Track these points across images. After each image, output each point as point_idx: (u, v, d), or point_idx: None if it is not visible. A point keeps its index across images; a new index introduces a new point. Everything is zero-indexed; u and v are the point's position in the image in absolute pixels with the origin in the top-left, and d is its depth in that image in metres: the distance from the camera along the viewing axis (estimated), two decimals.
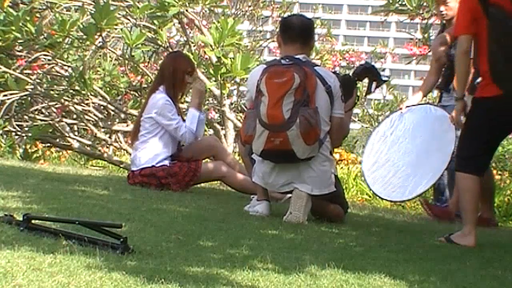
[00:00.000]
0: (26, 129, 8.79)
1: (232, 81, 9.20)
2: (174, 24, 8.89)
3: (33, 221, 3.51)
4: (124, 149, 9.24)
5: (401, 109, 6.37)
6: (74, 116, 8.84)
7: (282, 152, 4.79)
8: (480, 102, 4.63)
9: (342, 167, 10.69)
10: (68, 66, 8.50)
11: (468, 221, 4.56)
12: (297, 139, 4.74)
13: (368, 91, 5.45)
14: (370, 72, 5.34)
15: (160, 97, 5.92)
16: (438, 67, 6.37)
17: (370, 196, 9.34)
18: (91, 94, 8.52)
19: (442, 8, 6.26)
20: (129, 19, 8.41)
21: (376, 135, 6.42)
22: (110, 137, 9.09)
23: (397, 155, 6.09)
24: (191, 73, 6.15)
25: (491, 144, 4.72)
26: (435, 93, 8.45)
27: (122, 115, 9.08)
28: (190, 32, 8.77)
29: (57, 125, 8.78)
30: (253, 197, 5.29)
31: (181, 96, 6.16)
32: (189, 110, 6.05)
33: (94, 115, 8.86)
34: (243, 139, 4.98)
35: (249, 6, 13.02)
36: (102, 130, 8.98)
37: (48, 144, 9.49)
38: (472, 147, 4.62)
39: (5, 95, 8.22)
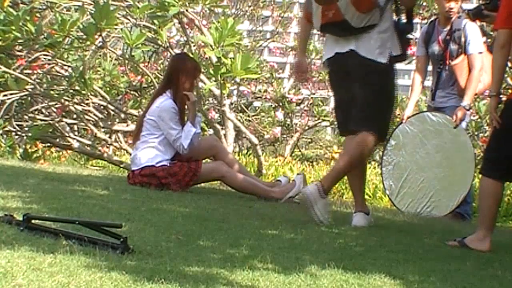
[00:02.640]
0: (26, 129, 8.79)
1: (232, 81, 9.20)
2: (174, 24, 8.89)
3: (33, 221, 3.51)
4: (124, 149, 9.25)
5: (402, 119, 6.45)
6: (74, 116, 8.85)
7: (337, 23, 4.75)
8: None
9: None
10: (68, 66, 8.50)
11: (485, 226, 4.44)
12: (349, 7, 4.70)
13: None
14: None
15: (167, 103, 5.89)
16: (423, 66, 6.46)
17: (370, 196, 9.36)
18: (91, 94, 8.52)
19: (453, 4, 6.26)
20: (129, 19, 8.41)
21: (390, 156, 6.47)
22: (110, 137, 9.09)
23: (417, 171, 6.16)
24: (199, 75, 6.16)
25: None
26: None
27: (122, 115, 9.08)
28: (190, 32, 8.78)
29: (57, 125, 8.78)
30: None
31: (188, 99, 6.05)
32: (186, 124, 5.98)
33: (94, 115, 8.87)
34: (305, 16, 4.98)
35: (249, 6, 13.04)
36: (102, 130, 8.98)
37: (48, 144, 9.50)
38: (502, 149, 4.42)
39: (5, 95, 8.22)
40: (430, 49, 6.44)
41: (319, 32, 5.06)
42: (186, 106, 6.02)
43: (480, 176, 4.62)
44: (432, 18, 7.12)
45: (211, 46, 7.56)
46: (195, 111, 6.05)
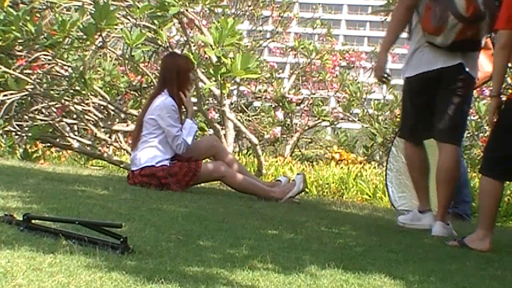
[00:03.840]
0: (26, 129, 8.79)
1: (232, 81, 9.20)
2: (174, 24, 8.89)
3: (33, 221, 3.51)
4: (124, 149, 9.24)
5: None
6: (74, 116, 8.84)
7: (471, 42, 4.95)
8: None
9: (342, 167, 10.70)
10: (68, 66, 8.50)
11: (485, 226, 4.45)
12: (485, 28, 4.93)
13: None
14: None
15: (167, 101, 5.91)
16: None
17: (370, 196, 9.36)
18: (91, 94, 8.52)
19: None
20: (129, 19, 8.41)
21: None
22: (110, 137, 9.09)
23: None
24: (192, 70, 6.21)
25: None
26: None
27: (122, 115, 9.08)
28: (190, 32, 8.77)
29: (57, 125, 8.78)
30: (402, 210, 5.35)
31: (185, 96, 6.10)
32: (186, 121, 6.02)
33: (94, 115, 8.86)
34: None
35: (249, 6, 13.03)
36: (102, 130, 8.98)
37: (48, 144, 9.49)
38: (502, 149, 4.43)
39: (5, 95, 8.22)
40: None
41: (424, 44, 5.03)
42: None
43: (480, 175, 4.62)
44: None
45: (211, 46, 7.55)
46: (192, 107, 6.10)
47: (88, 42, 7.85)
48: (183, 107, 6.06)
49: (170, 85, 5.98)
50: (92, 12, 7.75)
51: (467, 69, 4.99)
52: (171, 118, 5.90)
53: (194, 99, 8.18)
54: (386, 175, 6.67)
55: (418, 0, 5.01)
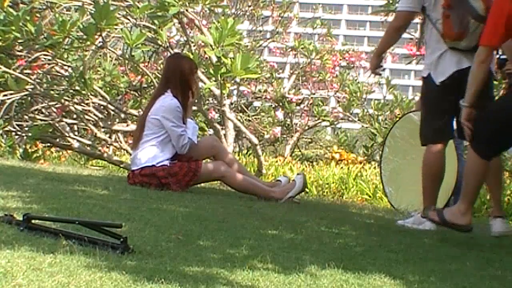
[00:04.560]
0: (26, 129, 8.79)
1: (232, 81, 9.20)
2: (174, 24, 8.89)
3: (33, 221, 3.51)
4: (124, 149, 9.25)
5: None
6: (74, 116, 8.85)
7: None
8: None
9: (342, 167, 10.71)
10: (68, 66, 8.50)
11: (468, 200, 4.57)
12: None
13: None
14: None
15: (173, 102, 5.91)
16: None
17: (370, 196, 9.36)
18: (91, 94, 8.52)
19: None
20: (129, 19, 8.41)
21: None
22: (110, 137, 9.09)
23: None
24: (196, 72, 6.23)
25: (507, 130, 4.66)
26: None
27: (122, 115, 9.08)
28: (190, 32, 8.78)
29: (57, 125, 8.78)
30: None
31: (192, 96, 6.11)
32: (188, 121, 6.04)
33: (94, 115, 8.87)
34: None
35: (249, 6, 13.04)
36: (102, 130, 8.98)
37: (48, 144, 9.50)
38: (488, 131, 4.59)
39: (5, 95, 8.22)
40: None
41: (446, 48, 5.11)
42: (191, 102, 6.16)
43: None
44: None
45: (211, 46, 7.56)
46: (191, 108, 6.17)
47: (88, 42, 7.86)
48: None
49: (173, 85, 5.98)
50: (92, 12, 7.75)
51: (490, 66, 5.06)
52: (176, 119, 5.91)
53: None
54: (381, 177, 6.65)
55: (409, 22, 5.18)
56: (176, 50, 9.11)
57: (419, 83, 5.86)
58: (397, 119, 6.49)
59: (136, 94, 9.88)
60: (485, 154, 4.56)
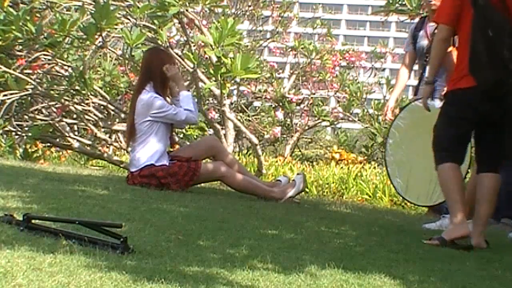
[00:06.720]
0: (26, 129, 8.79)
1: (232, 81, 9.20)
2: (174, 24, 8.89)
3: (33, 221, 3.51)
4: (124, 149, 9.24)
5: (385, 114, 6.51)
6: (74, 116, 8.85)
7: None
8: (455, 93, 4.66)
9: (342, 167, 10.71)
10: (68, 66, 8.50)
11: (457, 211, 4.47)
12: None
13: None
14: None
15: (148, 97, 5.93)
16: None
17: (370, 196, 9.36)
18: (91, 94, 8.52)
19: None
20: (129, 19, 8.40)
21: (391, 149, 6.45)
22: (110, 137, 9.09)
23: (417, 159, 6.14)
24: (174, 61, 6.32)
25: (466, 137, 4.73)
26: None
27: (122, 115, 9.07)
28: (190, 32, 8.77)
29: (57, 125, 8.78)
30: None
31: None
32: (180, 94, 6.05)
33: (94, 115, 8.86)
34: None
35: (249, 6, 13.04)
36: (102, 130, 8.98)
37: (48, 144, 9.50)
38: (449, 138, 4.65)
39: (5, 95, 8.22)
40: (418, 44, 6.39)
41: None
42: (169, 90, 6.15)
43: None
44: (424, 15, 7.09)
45: (211, 46, 7.55)
46: (181, 80, 6.22)
47: (88, 42, 7.85)
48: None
49: (154, 79, 6.00)
50: (92, 12, 7.75)
51: None
52: (161, 107, 5.93)
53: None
54: (387, 170, 6.61)
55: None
56: (176, 50, 9.12)
57: None
58: (399, 111, 6.48)
59: None
60: (451, 159, 4.60)
